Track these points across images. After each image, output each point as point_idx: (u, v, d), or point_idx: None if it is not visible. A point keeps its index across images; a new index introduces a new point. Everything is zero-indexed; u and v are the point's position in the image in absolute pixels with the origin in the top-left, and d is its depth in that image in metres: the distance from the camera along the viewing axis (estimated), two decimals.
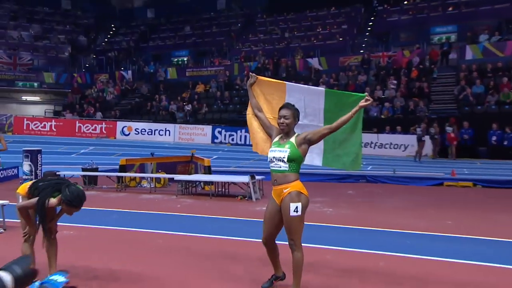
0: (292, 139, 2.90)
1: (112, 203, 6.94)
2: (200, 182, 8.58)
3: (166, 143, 15.77)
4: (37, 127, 16.01)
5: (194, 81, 19.74)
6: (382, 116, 14.21)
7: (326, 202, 6.96)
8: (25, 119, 16.41)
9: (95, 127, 16.62)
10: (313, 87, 3.27)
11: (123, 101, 20.37)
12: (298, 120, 2.98)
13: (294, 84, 3.23)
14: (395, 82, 15.68)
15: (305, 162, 3.03)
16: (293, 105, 2.96)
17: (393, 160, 12.12)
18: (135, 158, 9.97)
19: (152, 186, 8.79)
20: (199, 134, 15.92)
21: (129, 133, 16.58)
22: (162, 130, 16.41)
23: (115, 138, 16.32)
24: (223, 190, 8.01)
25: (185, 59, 23.79)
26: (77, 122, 16.62)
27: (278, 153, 2.88)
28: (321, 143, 3.16)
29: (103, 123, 16.73)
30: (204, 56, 22.43)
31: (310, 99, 3.15)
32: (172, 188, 8.29)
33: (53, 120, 16.54)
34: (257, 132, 3.26)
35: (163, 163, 9.83)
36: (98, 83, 21.56)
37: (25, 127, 16.07)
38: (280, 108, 2.95)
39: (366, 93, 2.94)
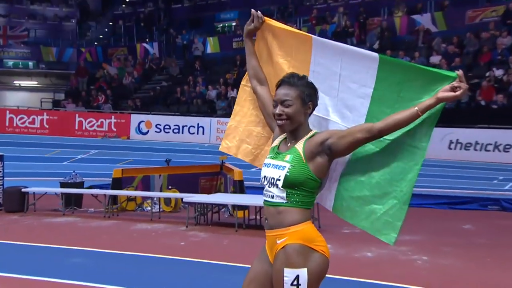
0: (300, 144, 2.33)
1: (84, 238, 7.01)
2: (226, 205, 8.34)
3: (198, 145, 16.09)
4: (23, 123, 16.97)
5: (244, 56, 19.32)
6: None
7: (420, 244, 6.60)
8: (7, 112, 17.28)
9: (101, 122, 17.21)
10: (360, 49, 2.54)
11: (145, 85, 21.19)
12: (314, 104, 2.38)
13: (327, 41, 2.58)
14: None
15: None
16: (301, 77, 2.37)
17: None
18: (136, 168, 10.21)
19: (157, 209, 8.85)
20: None
21: (148, 131, 17.07)
22: (194, 127, 16.76)
23: (128, 137, 16.93)
24: (259, 218, 7.87)
25: (233, 24, 24.11)
26: (76, 115, 17.42)
27: (272, 170, 2.32)
28: (345, 160, 2.49)
29: (113, 116, 17.41)
30: None
31: (351, 72, 2.51)
32: (187, 213, 8.16)
33: (44, 113, 17.43)
34: (247, 121, 2.81)
35: (177, 176, 9.87)
36: (114, 60, 22.61)
37: (7, 123, 16.89)
38: (277, 86, 2.39)
39: (457, 72, 2.26)
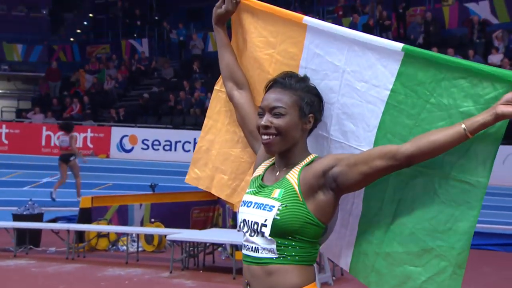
0: (293, 174, 2.08)
1: None
2: (223, 245, 8.13)
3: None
4: None
5: None
6: None
7: None
8: None
9: (75, 137, 17.19)
10: (377, 38, 2.23)
11: (131, 92, 21.23)
12: (317, 117, 2.17)
13: (329, 25, 2.31)
14: None
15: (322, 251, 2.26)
16: (300, 79, 2.17)
17: None
18: (110, 195, 10.07)
19: (135, 248, 8.64)
20: None
21: (132, 148, 17.03)
22: (189, 143, 16.61)
23: (107, 156, 16.87)
24: None
25: None
26: (44, 128, 17.38)
27: (254, 211, 2.07)
28: (360, 199, 2.23)
29: (89, 130, 17.36)
30: None
31: (359, 68, 2.21)
32: (175, 253, 7.96)
33: (3, 126, 17.44)
34: (222, 140, 2.58)
35: (164, 205, 9.74)
36: (93, 60, 22.70)
37: None
38: (266, 88, 2.17)
39: None
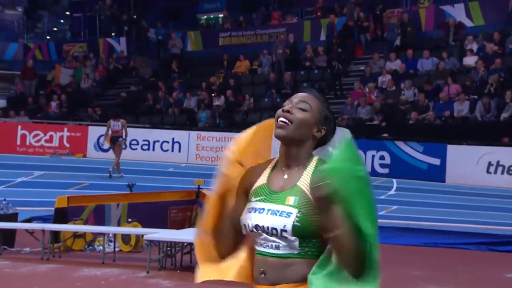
0: (304, 179, 2.21)
1: None
2: None
3: (173, 165, 15.93)
4: None
5: (232, 55, 20.05)
6: None
7: None
8: None
9: (51, 136, 16.97)
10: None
11: (109, 91, 21.11)
12: (326, 133, 2.29)
13: None
14: None
15: None
16: (322, 95, 2.38)
17: None
18: (87, 195, 10.06)
19: (112, 248, 8.59)
20: None
21: (110, 148, 16.83)
22: (168, 142, 16.66)
23: (84, 156, 16.73)
24: None
25: (220, 15, 24.16)
26: (19, 127, 17.21)
27: (269, 217, 2.19)
28: None
29: (65, 129, 17.19)
30: (251, 10, 22.59)
31: None
32: (153, 253, 7.98)
33: None
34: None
35: (141, 205, 9.69)
36: (69, 59, 22.50)
37: None
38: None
39: None
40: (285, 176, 2.23)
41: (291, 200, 2.17)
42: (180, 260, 8.02)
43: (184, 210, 10.01)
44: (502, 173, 12.68)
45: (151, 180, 13.68)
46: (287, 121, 2.19)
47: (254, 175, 2.31)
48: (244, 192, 2.32)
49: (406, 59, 16.71)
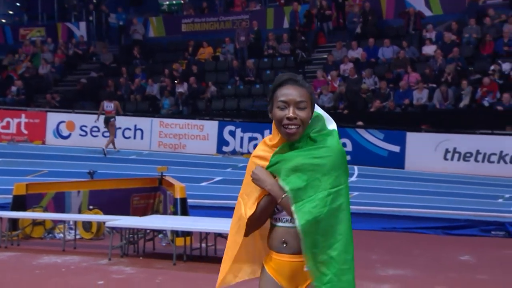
0: None
1: None
2: (164, 231, 8.13)
3: (135, 152, 15.87)
4: None
5: (195, 42, 19.96)
6: None
7: (406, 281, 6.61)
8: None
9: (7, 122, 16.66)
10: None
11: (68, 76, 20.78)
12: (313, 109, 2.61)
13: None
14: None
15: None
16: (303, 78, 2.61)
17: None
18: (46, 182, 9.81)
19: (73, 236, 8.57)
20: (196, 137, 15.95)
21: (69, 134, 16.70)
22: (130, 129, 16.54)
23: (43, 142, 16.49)
24: (205, 247, 7.79)
25: (182, 1, 24.04)
26: None
27: None
28: None
29: (23, 115, 16.85)
30: None
31: None
32: (115, 240, 8.01)
33: None
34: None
35: (102, 192, 9.65)
36: (26, 43, 21.97)
37: None
38: (278, 87, 2.54)
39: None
40: None
41: None
42: (143, 247, 8.01)
43: (146, 198, 10.00)
44: (459, 159, 13.01)
45: (113, 167, 13.55)
46: (295, 127, 2.46)
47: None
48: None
49: (368, 48, 16.91)
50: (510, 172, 12.50)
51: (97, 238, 8.85)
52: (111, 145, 15.42)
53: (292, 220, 2.47)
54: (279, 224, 2.54)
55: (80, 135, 16.54)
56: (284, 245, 2.51)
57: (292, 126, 2.45)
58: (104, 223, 8.40)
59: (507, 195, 11.02)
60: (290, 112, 2.44)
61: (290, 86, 2.49)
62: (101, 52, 20.86)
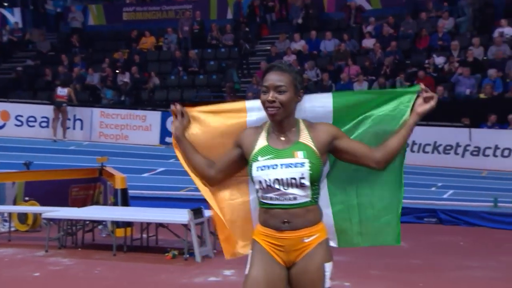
0: (306, 139, 2.76)
1: None
2: (104, 222, 8.09)
3: (74, 143, 15.63)
4: None
5: (137, 31, 19.73)
6: (481, 96, 13.93)
7: (344, 267, 6.51)
8: None
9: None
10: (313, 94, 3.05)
11: (2, 64, 20.18)
12: (304, 92, 2.83)
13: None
14: (508, 30, 15.07)
15: None
16: (290, 64, 2.89)
17: (496, 179, 12.21)
18: None
19: (7, 228, 8.42)
20: (139, 128, 15.83)
21: (4, 124, 16.23)
22: (69, 119, 16.19)
23: None
24: (146, 238, 7.80)
25: None
26: None
27: (285, 170, 2.71)
28: (325, 195, 2.97)
29: None
30: None
31: (306, 114, 2.94)
32: (52, 232, 7.84)
33: None
34: (229, 210, 3.04)
35: (39, 183, 9.47)
36: None
37: None
38: (264, 74, 2.78)
39: (420, 85, 2.91)
40: (282, 138, 2.74)
41: (299, 154, 2.70)
42: (81, 239, 7.94)
43: (86, 189, 9.92)
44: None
45: (51, 158, 13.28)
46: (275, 109, 2.69)
47: (250, 138, 2.79)
48: (237, 146, 2.83)
49: (310, 40, 17.14)
50: (443, 161, 13.00)
51: (33, 230, 8.71)
52: (60, 134, 15.45)
53: (293, 198, 2.69)
54: (275, 203, 2.72)
55: (16, 125, 16.08)
56: (286, 224, 2.72)
57: (272, 108, 2.69)
58: (40, 214, 8.26)
59: (439, 184, 11.46)
60: (269, 96, 2.69)
61: (273, 72, 2.73)
62: (38, 40, 20.28)
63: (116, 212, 8.00)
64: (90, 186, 9.94)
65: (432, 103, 2.84)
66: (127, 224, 7.73)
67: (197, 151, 2.93)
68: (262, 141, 2.76)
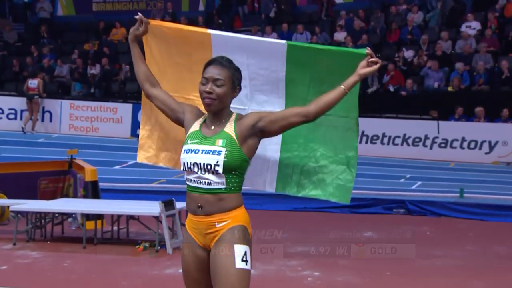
0: (230, 127, 2.92)
1: None
2: (73, 215, 8.02)
3: (43, 135, 15.51)
4: None
5: (107, 22, 19.56)
6: (449, 89, 14.12)
7: (313, 257, 6.84)
8: None
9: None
10: (266, 39, 3.48)
11: None
12: (240, 88, 3.01)
13: (228, 34, 3.36)
14: (475, 24, 15.30)
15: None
16: (230, 61, 3.00)
17: (463, 170, 12.41)
18: None
19: None
20: (109, 120, 15.78)
21: None
22: (38, 112, 15.98)
23: None
24: (117, 230, 7.77)
25: None
26: None
27: (204, 156, 2.88)
28: (278, 141, 3.36)
29: None
30: None
31: (258, 60, 3.29)
32: (20, 225, 7.74)
33: None
34: (159, 128, 3.54)
35: (7, 176, 9.29)
36: None
37: None
38: (206, 66, 2.96)
39: (366, 49, 3.00)
40: (212, 127, 2.91)
41: (220, 141, 2.85)
42: (51, 231, 7.84)
43: (55, 181, 9.75)
44: (366, 142, 13.54)
45: (19, 150, 13.10)
46: (211, 100, 2.86)
47: (191, 117, 3.00)
48: (182, 111, 3.06)
49: (282, 33, 17.16)
50: (412, 153, 13.20)
51: (1, 224, 8.56)
52: (29, 126, 15.39)
53: (207, 183, 2.85)
54: (191, 184, 2.90)
55: None
56: (200, 208, 2.89)
57: (207, 100, 2.86)
58: (8, 207, 8.14)
59: (408, 175, 11.64)
60: (207, 87, 2.85)
61: (213, 66, 2.90)
62: (4, 30, 19.93)
63: (86, 204, 7.94)
64: (60, 179, 9.78)
65: (375, 67, 2.95)
66: (98, 217, 7.69)
67: (143, 60, 3.27)
68: (196, 126, 2.97)
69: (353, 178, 3.27)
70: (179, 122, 3.09)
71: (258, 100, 3.34)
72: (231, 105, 3.02)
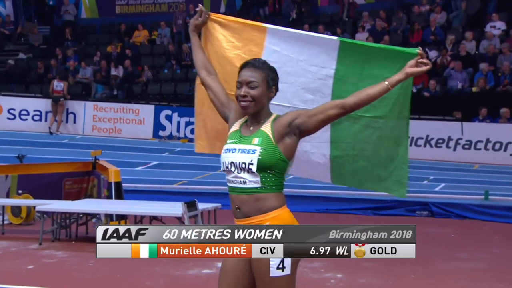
0: (267, 127, 2.92)
1: None
2: (97, 215, 8.10)
3: (67, 136, 15.72)
4: None
5: (130, 24, 19.72)
6: (473, 89, 13.90)
7: (335, 260, 6.59)
8: None
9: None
10: (319, 35, 3.45)
11: None
12: (277, 89, 3.00)
13: (284, 29, 3.40)
14: (500, 24, 15.13)
15: (297, 175, 3.20)
16: (264, 62, 3.00)
17: (488, 172, 12.28)
18: None
19: (1, 221, 8.34)
20: (132, 121, 15.91)
21: None
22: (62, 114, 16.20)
23: None
24: None
25: None
26: None
27: (240, 155, 2.89)
28: (327, 136, 3.35)
29: None
30: None
31: (309, 56, 3.30)
32: (46, 225, 7.79)
33: None
34: (211, 119, 3.50)
35: (33, 177, 9.44)
36: None
37: None
38: (240, 70, 2.98)
39: (418, 50, 2.96)
40: (251, 128, 2.93)
41: (256, 140, 2.85)
42: (75, 232, 7.94)
43: (80, 182, 9.85)
44: None
45: (44, 151, 13.28)
46: (247, 102, 2.87)
47: (234, 116, 3.02)
48: (229, 108, 3.07)
49: None
50: (435, 155, 13.10)
51: (27, 224, 8.67)
52: (54, 127, 15.59)
53: (243, 182, 2.83)
54: (230, 184, 2.89)
55: (8, 118, 16.14)
56: (238, 210, 2.88)
57: (244, 103, 2.88)
58: (34, 207, 8.25)
59: (431, 177, 11.56)
60: (242, 91, 2.88)
61: (246, 69, 2.92)
62: (30, 33, 20.22)
63: (110, 205, 8.00)
64: (84, 180, 9.88)
65: (424, 68, 2.86)
66: (121, 217, 7.70)
67: (202, 48, 3.32)
68: (236, 126, 2.99)
69: (406, 174, 3.28)
70: (225, 118, 3.12)
71: (303, 99, 3.33)
72: (275, 102, 3.06)
